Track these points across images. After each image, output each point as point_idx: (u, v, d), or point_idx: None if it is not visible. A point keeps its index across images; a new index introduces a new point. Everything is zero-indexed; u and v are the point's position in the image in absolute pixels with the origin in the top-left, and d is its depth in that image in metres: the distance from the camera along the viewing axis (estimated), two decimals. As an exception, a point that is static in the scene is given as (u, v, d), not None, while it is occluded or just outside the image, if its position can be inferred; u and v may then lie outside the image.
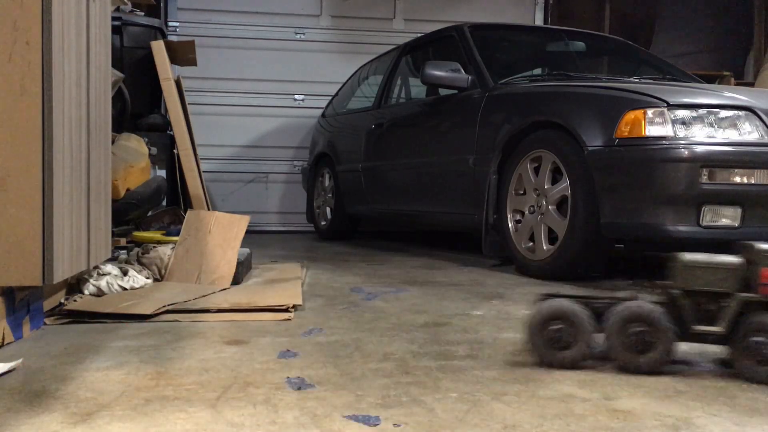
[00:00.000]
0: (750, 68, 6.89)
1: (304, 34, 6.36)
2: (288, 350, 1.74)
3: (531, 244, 3.22)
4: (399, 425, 1.20)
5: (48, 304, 2.12)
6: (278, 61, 6.30)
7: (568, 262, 2.99)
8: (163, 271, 2.71)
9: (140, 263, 2.72)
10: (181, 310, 2.20)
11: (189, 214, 2.92)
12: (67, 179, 1.73)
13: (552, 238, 3.09)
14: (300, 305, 2.33)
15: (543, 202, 3.13)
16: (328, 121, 5.68)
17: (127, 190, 3.27)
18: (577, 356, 1.60)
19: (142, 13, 4.58)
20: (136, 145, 3.52)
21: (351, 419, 1.23)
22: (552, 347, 1.61)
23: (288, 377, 1.49)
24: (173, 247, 2.79)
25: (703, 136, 2.65)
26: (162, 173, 4.01)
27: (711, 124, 2.68)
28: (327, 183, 5.45)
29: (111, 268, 2.51)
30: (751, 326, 1.50)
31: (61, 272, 1.69)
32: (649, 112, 2.71)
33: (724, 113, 2.71)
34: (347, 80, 5.75)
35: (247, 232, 2.97)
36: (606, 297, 1.67)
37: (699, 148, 2.61)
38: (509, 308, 2.38)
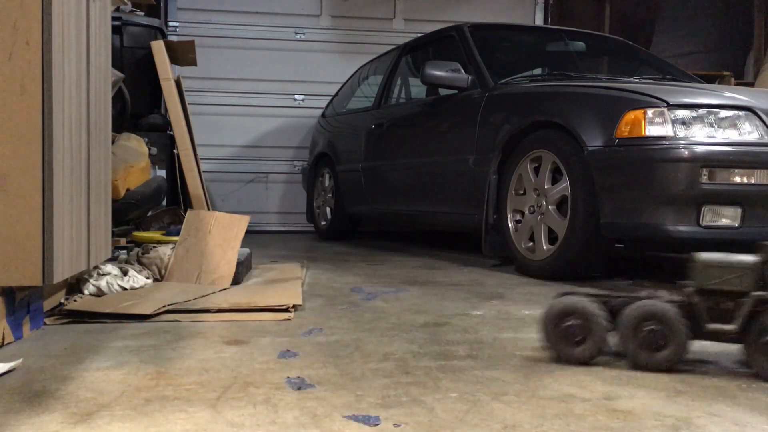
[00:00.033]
0: (750, 68, 6.89)
1: (304, 34, 6.36)
2: (288, 350, 1.74)
3: (531, 244, 3.22)
4: (399, 425, 1.20)
5: (48, 304, 2.12)
6: (278, 61, 6.30)
7: (568, 262, 2.99)
8: (163, 271, 2.71)
9: (140, 263, 2.72)
10: (181, 310, 2.20)
11: (189, 214, 2.92)
12: (67, 179, 1.73)
13: (552, 238, 3.09)
14: (300, 305, 2.33)
15: (543, 202, 3.13)
16: (328, 121, 5.68)
17: (127, 190, 3.27)
18: (590, 352, 1.62)
19: (142, 13, 4.58)
20: (136, 145, 3.52)
21: (351, 419, 1.23)
22: (566, 342, 1.63)
23: (288, 377, 1.49)
24: (173, 247, 2.79)
25: (703, 136, 2.65)
26: (162, 173, 4.01)
27: (711, 124, 2.68)
28: (327, 183, 5.45)
29: (111, 268, 2.51)
30: (765, 325, 1.50)
31: (61, 272, 1.69)
32: (649, 112, 2.71)
33: (724, 113, 2.71)
34: (347, 80, 5.75)
35: (247, 232, 2.97)
36: (622, 295, 1.68)
37: (699, 148, 2.61)
38: (509, 308, 2.38)
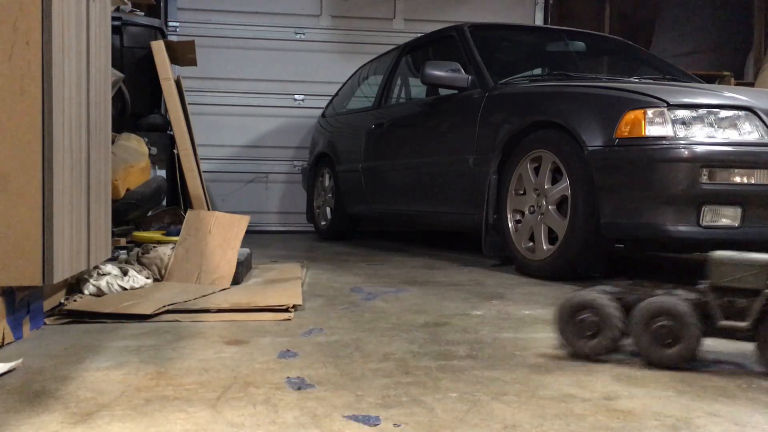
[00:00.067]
0: (750, 68, 6.89)
1: (304, 34, 6.36)
2: (288, 350, 1.74)
3: (531, 244, 3.22)
4: (399, 425, 1.20)
5: (48, 304, 2.12)
6: (278, 61, 6.30)
7: (568, 262, 2.99)
8: (163, 271, 2.71)
9: (140, 263, 2.72)
10: (181, 310, 2.20)
11: (189, 214, 2.92)
12: (67, 179, 1.73)
13: (552, 238, 3.09)
14: (300, 305, 2.33)
15: (543, 202, 3.13)
16: (328, 121, 5.68)
17: (127, 190, 3.28)
18: (603, 346, 1.64)
19: (142, 13, 4.58)
20: (136, 145, 3.52)
21: (351, 419, 1.23)
22: (579, 336, 1.65)
23: (288, 377, 1.49)
24: (173, 247, 2.79)
25: (703, 136, 2.65)
26: (162, 173, 4.01)
27: (711, 124, 2.68)
28: (327, 183, 5.45)
29: (111, 268, 2.51)
30: None
31: (61, 272, 1.69)
32: (649, 112, 2.71)
33: (724, 113, 2.71)
34: (347, 80, 5.75)
35: (247, 232, 2.97)
36: (637, 291, 1.69)
37: (699, 148, 2.61)
38: (509, 308, 2.38)
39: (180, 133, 3.27)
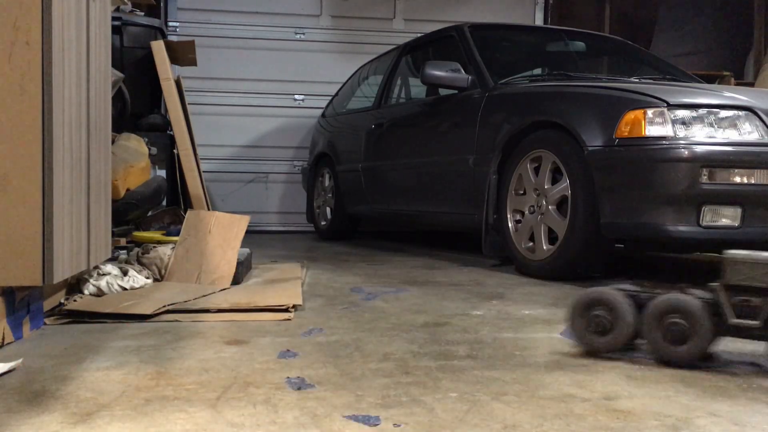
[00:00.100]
0: (750, 68, 6.89)
1: (304, 34, 6.36)
2: (288, 350, 1.74)
3: (531, 244, 3.22)
4: (399, 425, 1.20)
5: (48, 304, 2.12)
6: (278, 61, 6.30)
7: (568, 262, 2.99)
8: (163, 271, 2.71)
9: (140, 263, 2.72)
10: (181, 310, 2.20)
11: (189, 214, 2.92)
12: (67, 179, 1.73)
13: (552, 238, 3.09)
14: (300, 305, 2.33)
15: (543, 202, 3.13)
16: (328, 121, 5.68)
17: (127, 190, 3.28)
18: (614, 343, 1.65)
19: (142, 13, 4.58)
20: (136, 145, 3.52)
21: (351, 419, 1.23)
22: (591, 332, 1.67)
23: (288, 377, 1.49)
24: (173, 247, 2.79)
25: (703, 136, 2.65)
26: (162, 173, 4.01)
27: (711, 124, 2.68)
28: (327, 183, 5.45)
29: (111, 268, 2.51)
30: None
31: (61, 272, 1.69)
32: (649, 112, 2.71)
33: (724, 113, 2.71)
34: (347, 80, 5.75)
35: (247, 232, 2.97)
36: (651, 290, 1.70)
37: (699, 148, 2.61)
38: (509, 308, 2.38)
39: (180, 133, 3.27)
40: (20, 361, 1.57)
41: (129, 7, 4.38)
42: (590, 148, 2.86)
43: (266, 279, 2.93)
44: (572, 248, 2.94)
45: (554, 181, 3.10)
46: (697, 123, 2.68)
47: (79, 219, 1.85)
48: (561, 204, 3.06)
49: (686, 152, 2.60)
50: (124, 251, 2.92)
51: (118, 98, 3.85)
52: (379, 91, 4.98)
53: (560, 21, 6.70)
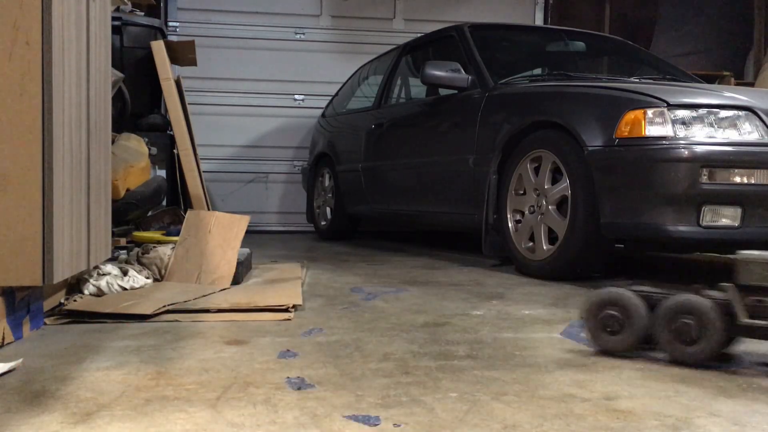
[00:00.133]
0: (750, 68, 6.89)
1: (304, 34, 6.36)
2: (288, 350, 1.74)
3: (531, 244, 3.22)
4: (399, 425, 1.20)
5: (48, 304, 2.12)
6: (278, 61, 6.31)
7: (568, 262, 2.99)
8: (163, 271, 2.71)
9: (140, 263, 2.72)
10: (181, 310, 2.20)
11: (189, 214, 2.92)
12: (67, 179, 1.73)
13: (552, 238, 3.09)
14: (300, 305, 2.33)
15: (543, 202, 3.13)
16: (328, 121, 5.68)
17: (127, 190, 3.28)
18: (626, 342, 1.66)
19: (142, 13, 4.58)
20: (136, 145, 3.52)
21: (351, 419, 1.23)
22: (604, 331, 1.69)
23: (288, 377, 1.49)
24: (173, 247, 2.79)
25: (703, 136, 2.65)
26: (162, 173, 4.01)
27: (711, 124, 2.68)
28: (327, 183, 5.45)
29: (111, 268, 2.51)
30: None
31: (61, 272, 1.69)
32: (649, 112, 2.71)
33: (724, 113, 2.71)
34: (347, 80, 5.75)
35: (247, 232, 2.97)
36: (664, 290, 1.71)
37: (699, 148, 2.60)
38: (509, 308, 2.38)
39: (180, 133, 3.27)
40: (20, 361, 1.57)
41: (129, 7, 4.38)
42: (590, 148, 2.86)
43: (266, 279, 2.93)
44: (572, 248, 2.94)
45: (554, 181, 3.10)
46: (697, 123, 2.68)
47: (79, 219, 1.85)
48: (561, 204, 3.06)
49: (686, 152, 2.60)
50: (124, 251, 2.92)
51: (118, 98, 3.85)
52: (379, 91, 4.98)
53: (560, 21, 6.70)
